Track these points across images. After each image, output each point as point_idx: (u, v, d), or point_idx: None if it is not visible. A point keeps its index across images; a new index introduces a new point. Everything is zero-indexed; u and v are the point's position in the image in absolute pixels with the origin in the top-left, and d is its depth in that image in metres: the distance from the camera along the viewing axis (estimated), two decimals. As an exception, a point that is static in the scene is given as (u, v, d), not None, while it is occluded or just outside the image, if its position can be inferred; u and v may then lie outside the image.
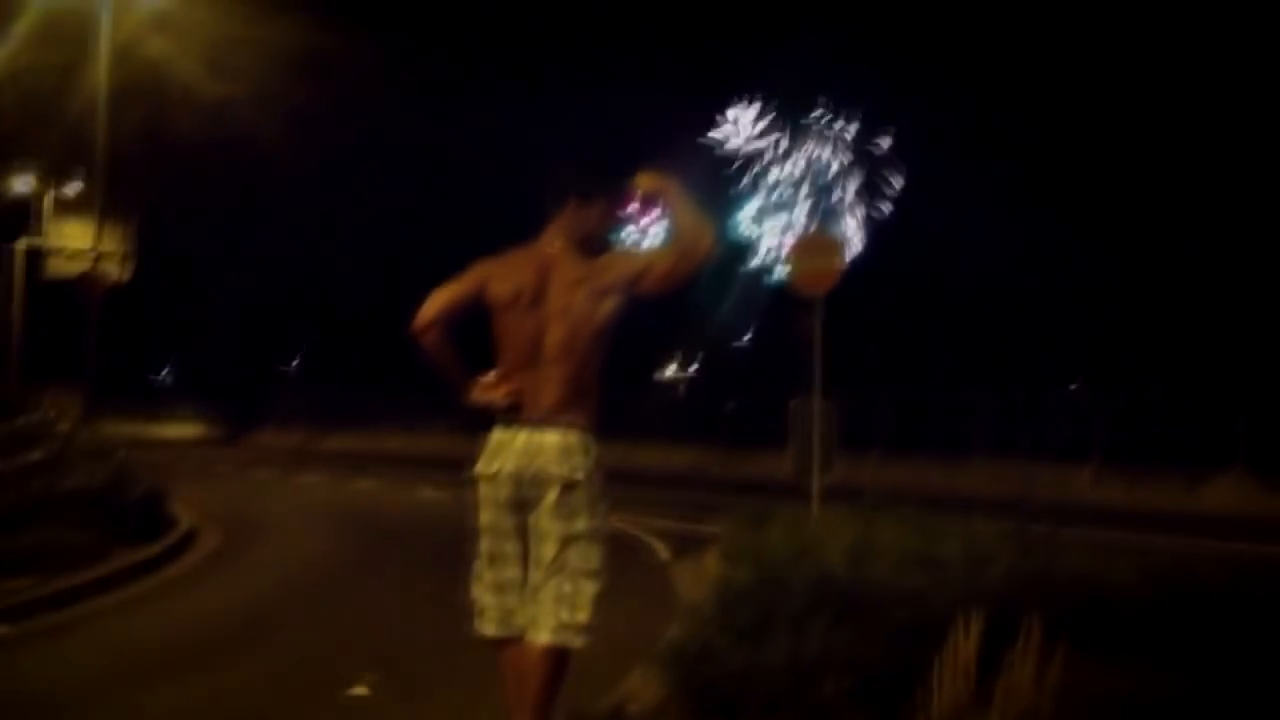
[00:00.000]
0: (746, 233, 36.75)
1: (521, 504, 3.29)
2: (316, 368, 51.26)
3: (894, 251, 34.42)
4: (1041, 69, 30.22)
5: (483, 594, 3.34)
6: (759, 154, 37.13)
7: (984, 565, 6.23)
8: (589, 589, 3.26)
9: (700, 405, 36.89)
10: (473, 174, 36.93)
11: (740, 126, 37.08)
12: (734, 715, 4.12)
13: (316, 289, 44.40)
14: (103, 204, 16.00)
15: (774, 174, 37.16)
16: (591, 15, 36.04)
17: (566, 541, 3.25)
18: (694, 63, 35.80)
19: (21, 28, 17.14)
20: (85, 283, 15.70)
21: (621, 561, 4.41)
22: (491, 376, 3.38)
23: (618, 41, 36.20)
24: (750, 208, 37.14)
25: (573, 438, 3.29)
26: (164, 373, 59.62)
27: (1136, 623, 5.07)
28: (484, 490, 3.34)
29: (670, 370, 41.54)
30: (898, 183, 36.33)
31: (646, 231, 27.97)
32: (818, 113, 36.69)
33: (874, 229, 36.70)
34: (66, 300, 17.01)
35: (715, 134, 37.06)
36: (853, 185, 36.96)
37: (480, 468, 3.35)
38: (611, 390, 3.68)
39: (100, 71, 15.44)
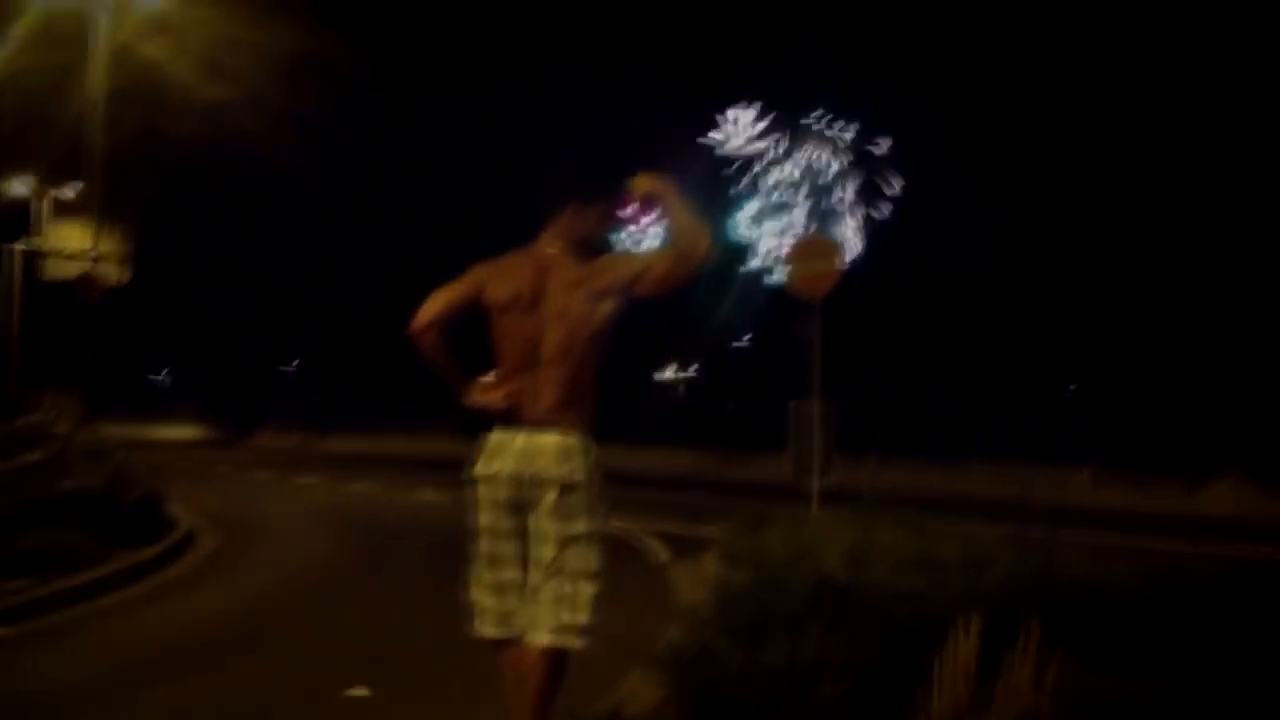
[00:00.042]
0: (745, 234, 36.73)
1: (520, 505, 3.29)
2: (315, 369, 51.25)
3: (893, 254, 34.42)
4: (1042, 71, 30.23)
5: (481, 595, 3.35)
6: (758, 155, 37.14)
7: (983, 567, 6.24)
8: (588, 590, 3.26)
9: (699, 407, 36.92)
10: (472, 175, 36.95)
11: (739, 128, 37.09)
12: (733, 717, 4.12)
13: (315, 290, 44.38)
14: (101, 206, 15.99)
15: (773, 176, 37.16)
16: (591, 16, 36.05)
17: (565, 543, 3.25)
18: (693, 64, 35.80)
19: (19, 29, 17.13)
20: (83, 284, 15.69)
21: (621, 563, 4.42)
22: (490, 378, 3.39)
23: (617, 42, 36.20)
24: (749, 209, 37.14)
25: (571, 439, 3.30)
26: (163, 374, 59.61)
27: (1135, 625, 5.07)
28: (482, 492, 3.35)
29: (670, 371, 41.52)
30: (896, 185, 36.34)
31: (644, 234, 27.97)
32: (816, 114, 36.70)
33: (873, 231, 36.70)
34: (65, 302, 16.99)
35: (714, 135, 37.07)
36: (851, 187, 36.97)
37: (479, 469, 3.36)
38: (610, 392, 3.69)
39: (97, 73, 15.44)
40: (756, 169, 37.17)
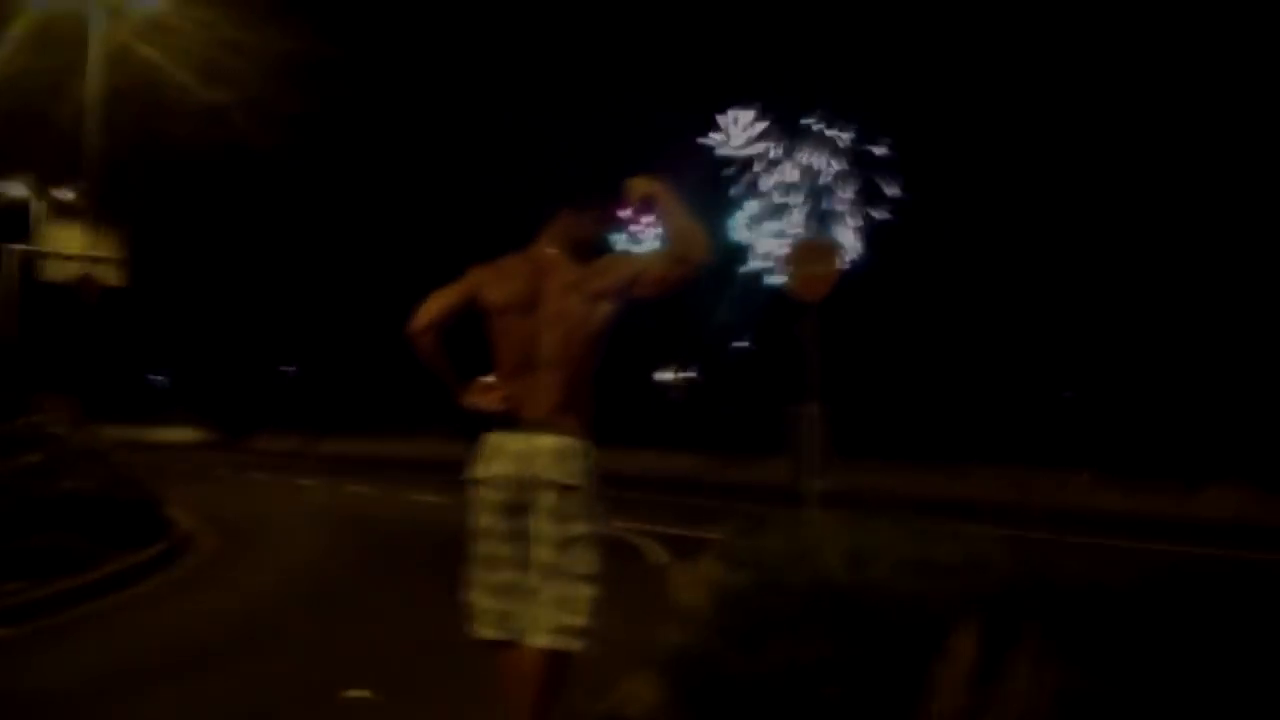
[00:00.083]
0: (744, 236, 36.73)
1: (518, 508, 3.29)
2: (313, 371, 51.26)
3: (892, 256, 34.42)
4: (1042, 71, 30.26)
5: (480, 597, 3.35)
6: (755, 158, 37.14)
7: (982, 570, 6.24)
8: (587, 592, 3.26)
9: (699, 408, 36.90)
10: (472, 177, 36.97)
11: (738, 128, 37.10)
12: (732, 719, 4.12)
13: (314, 292, 44.42)
14: (97, 208, 16.00)
15: (771, 178, 37.16)
16: (592, 17, 36.10)
17: (564, 545, 3.25)
18: (691, 66, 35.84)
19: (17, 31, 17.13)
20: (83, 285, 15.69)
21: (619, 565, 4.41)
22: (489, 380, 3.40)
23: (618, 43, 36.25)
24: (748, 210, 37.14)
25: (570, 441, 3.30)
26: (161, 376, 59.62)
27: (1135, 627, 5.07)
28: (481, 494, 3.35)
29: (669, 373, 41.52)
30: (895, 187, 36.35)
31: (641, 236, 27.99)
32: (815, 116, 36.70)
33: (871, 234, 36.70)
34: (63, 304, 16.99)
35: (713, 136, 37.09)
36: (849, 190, 36.98)
37: (477, 471, 3.36)
38: (609, 393, 3.69)
39: (95, 75, 15.44)
40: (756, 169, 37.20)
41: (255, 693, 5.19)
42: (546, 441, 3.28)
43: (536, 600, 3.24)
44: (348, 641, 6.45)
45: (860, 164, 36.87)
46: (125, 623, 7.04)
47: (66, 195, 18.51)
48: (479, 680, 4.44)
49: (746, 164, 37.22)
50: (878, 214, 36.76)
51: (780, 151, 37.13)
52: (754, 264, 36.20)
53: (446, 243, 30.55)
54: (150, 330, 45.94)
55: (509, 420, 3.33)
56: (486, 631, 3.32)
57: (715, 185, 36.13)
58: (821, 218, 36.87)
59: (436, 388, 3.53)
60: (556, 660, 3.22)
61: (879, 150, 36.35)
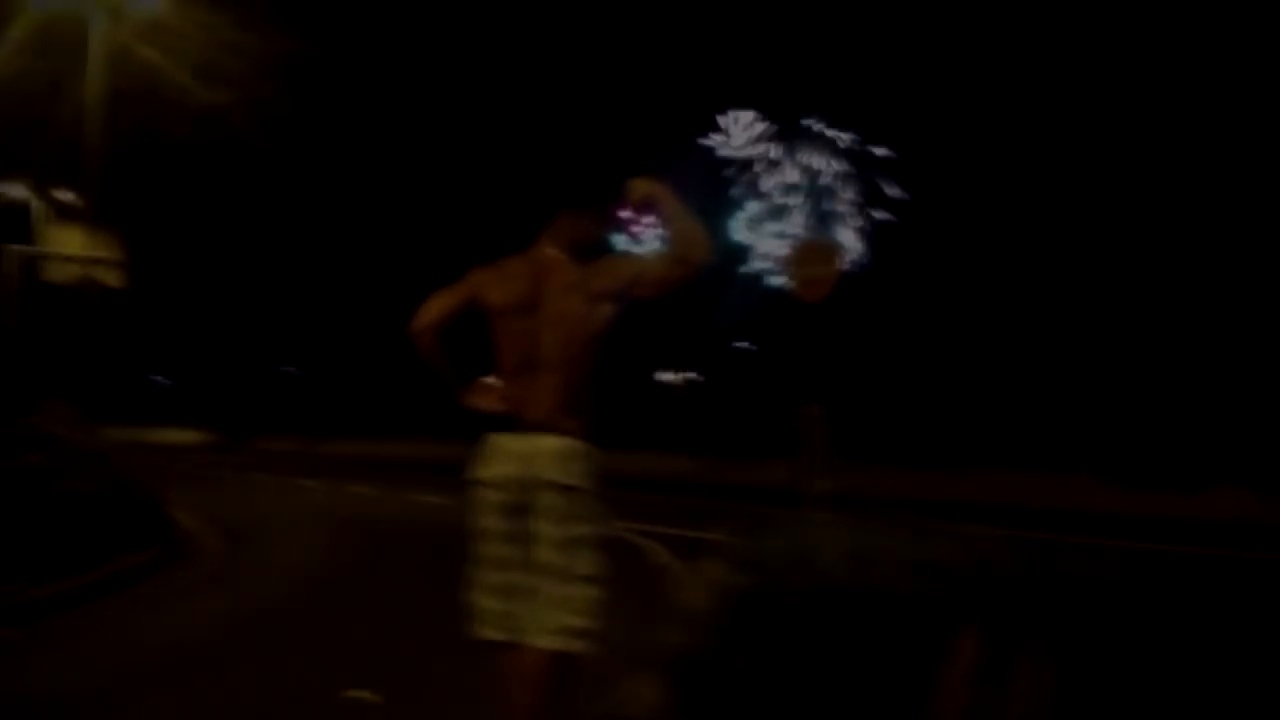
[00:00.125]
0: (745, 237, 36.74)
1: (520, 509, 3.30)
2: (315, 373, 51.27)
3: (892, 257, 34.44)
4: (1041, 72, 30.27)
5: (483, 598, 3.35)
6: (756, 159, 37.16)
7: (984, 571, 6.23)
8: (589, 593, 3.27)
9: (701, 408, 36.91)
10: (474, 178, 37.01)
11: (737, 130, 37.12)
12: (733, 720, 4.12)
13: (317, 294, 44.44)
14: (98, 210, 16.00)
15: (772, 179, 37.19)
16: (592, 18, 36.11)
17: (566, 546, 3.25)
18: (692, 68, 35.89)
19: (15, 33, 17.14)
20: (83, 286, 15.70)
21: (621, 566, 4.41)
22: (491, 381, 3.40)
23: (619, 44, 36.28)
24: (748, 212, 37.15)
25: (571, 442, 3.31)
26: (163, 377, 59.64)
27: (1136, 629, 5.07)
28: (482, 494, 3.36)
29: (671, 373, 41.52)
30: (895, 189, 36.35)
31: (642, 237, 27.99)
32: (815, 118, 36.72)
33: (871, 235, 36.72)
34: (64, 305, 16.99)
35: (714, 137, 37.10)
36: (850, 191, 36.99)
37: (479, 472, 3.36)
38: (612, 393, 3.70)
39: (95, 77, 15.45)
40: (757, 169, 37.21)
41: (257, 695, 5.19)
42: (548, 442, 3.29)
43: (538, 601, 3.25)
44: (350, 642, 6.45)
45: (861, 165, 36.89)
46: (128, 624, 7.04)
47: (67, 196, 18.53)
48: (483, 683, 4.45)
49: (747, 165, 37.23)
50: (878, 215, 36.77)
51: (781, 152, 37.14)
52: (755, 265, 36.21)
53: (448, 244, 30.58)
54: (153, 332, 45.97)
55: (510, 421, 3.33)
56: (489, 632, 3.33)
57: (716, 186, 36.17)
58: (822, 218, 36.89)
59: (438, 389, 3.54)
60: (559, 661, 3.22)
61: (880, 151, 36.37)
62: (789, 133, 36.97)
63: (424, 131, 38.82)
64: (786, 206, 37.07)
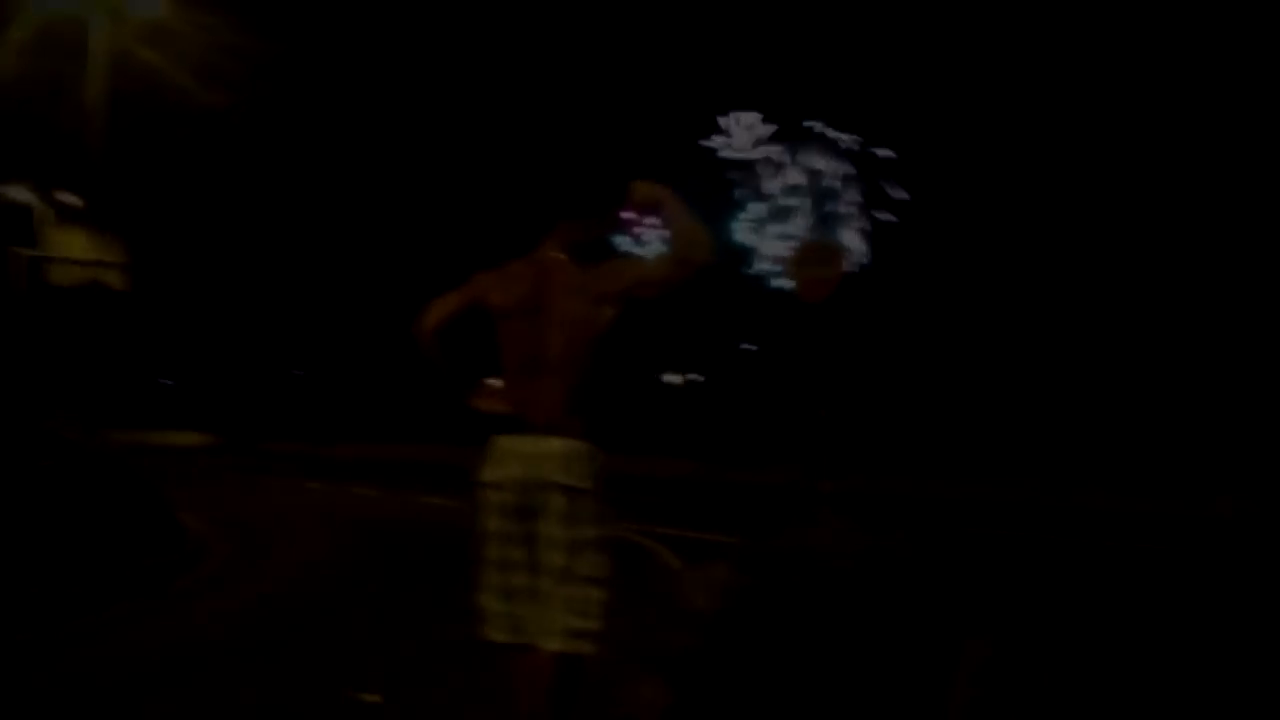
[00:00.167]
0: (748, 239, 36.74)
1: (527, 511, 3.30)
2: (321, 375, 51.32)
3: (896, 259, 34.43)
4: (1043, 76, 30.25)
5: (491, 601, 3.36)
6: (759, 161, 37.15)
7: (989, 573, 6.25)
8: (597, 595, 3.27)
9: (706, 410, 36.90)
10: (477, 180, 37.05)
11: (740, 131, 37.11)
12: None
13: (324, 297, 44.49)
14: (100, 212, 16.04)
15: (774, 181, 37.17)
16: (593, 19, 36.17)
17: (573, 548, 3.26)
18: (695, 70, 35.92)
19: (16, 36, 17.18)
20: (93, 289, 15.75)
21: (629, 569, 4.43)
22: (496, 383, 3.42)
23: (621, 45, 36.32)
24: (750, 214, 37.15)
25: (577, 444, 3.31)
26: (170, 380, 59.71)
27: (1137, 628, 5.08)
28: (489, 497, 3.36)
29: (677, 375, 41.51)
30: (898, 191, 36.32)
31: (644, 239, 28.02)
32: (819, 120, 36.70)
33: (873, 237, 36.69)
34: (69, 307, 17.02)
35: (717, 139, 37.10)
36: (852, 193, 36.96)
37: (485, 474, 3.37)
38: (618, 395, 3.72)
39: (95, 80, 15.48)
40: (759, 171, 37.21)
41: (264, 697, 5.20)
42: (554, 444, 3.29)
43: (547, 603, 3.26)
44: (357, 645, 6.47)
45: (863, 166, 36.87)
46: (135, 627, 7.05)
47: (70, 199, 18.56)
48: (489, 684, 4.46)
49: (750, 167, 37.24)
50: (880, 216, 36.75)
51: (783, 154, 37.14)
52: (759, 267, 36.21)
53: (453, 246, 30.60)
54: (160, 334, 46.01)
55: (516, 423, 3.34)
56: (498, 635, 3.33)
57: (718, 188, 36.18)
58: (824, 220, 36.88)
59: (442, 391, 3.57)
60: (568, 664, 3.23)
61: (882, 153, 36.34)
62: (791, 134, 36.98)
63: (429, 134, 38.86)
64: (789, 208, 37.05)
